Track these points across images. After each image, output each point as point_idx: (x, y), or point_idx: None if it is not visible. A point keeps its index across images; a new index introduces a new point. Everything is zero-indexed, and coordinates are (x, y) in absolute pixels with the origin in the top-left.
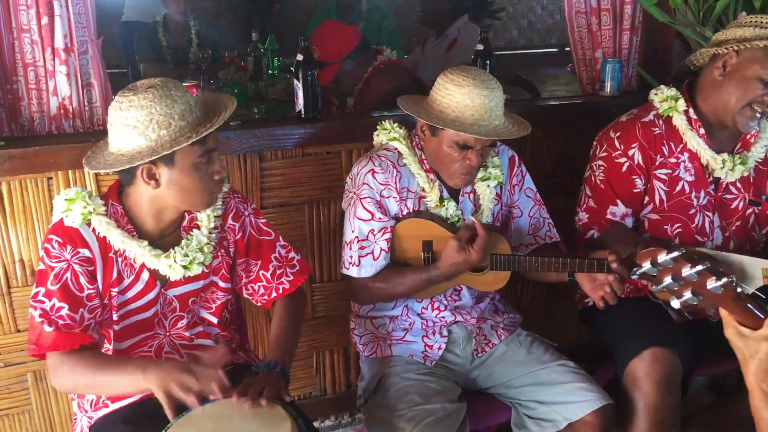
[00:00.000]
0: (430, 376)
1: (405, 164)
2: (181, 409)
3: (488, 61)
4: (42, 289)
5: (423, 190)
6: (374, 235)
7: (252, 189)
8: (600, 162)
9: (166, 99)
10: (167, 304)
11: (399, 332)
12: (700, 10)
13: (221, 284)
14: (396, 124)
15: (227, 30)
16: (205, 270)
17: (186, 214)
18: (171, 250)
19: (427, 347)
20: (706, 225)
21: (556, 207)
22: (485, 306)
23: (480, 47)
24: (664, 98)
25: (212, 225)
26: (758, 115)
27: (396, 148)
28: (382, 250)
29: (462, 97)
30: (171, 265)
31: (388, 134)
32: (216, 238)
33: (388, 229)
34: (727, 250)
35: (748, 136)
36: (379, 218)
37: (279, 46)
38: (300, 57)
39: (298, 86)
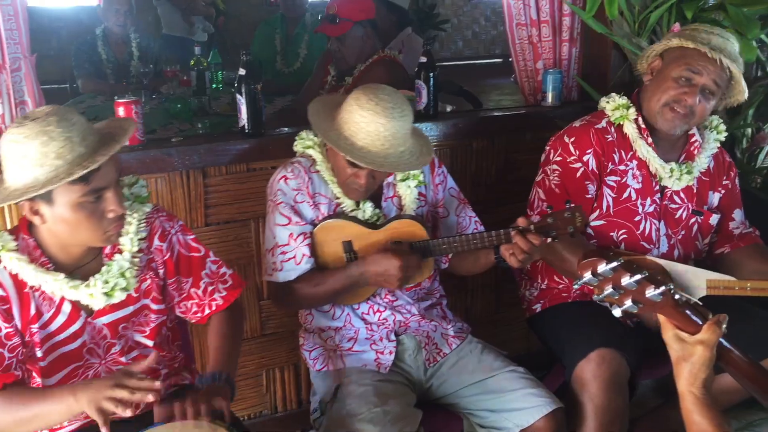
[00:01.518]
0: (386, 383)
1: (318, 170)
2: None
3: (432, 74)
4: None
5: (337, 198)
6: (295, 241)
7: (196, 206)
8: (555, 166)
9: (41, 135)
10: (96, 333)
11: (346, 343)
12: (636, 22)
13: (153, 306)
14: (311, 133)
15: (170, 43)
16: (134, 294)
17: None
18: (91, 278)
19: (378, 354)
20: (653, 233)
21: (502, 215)
22: (428, 306)
23: (423, 60)
24: (615, 106)
25: (136, 248)
26: (681, 114)
27: (311, 155)
28: (304, 255)
29: (359, 119)
30: (92, 294)
31: (303, 143)
32: (143, 260)
33: (308, 235)
34: (672, 258)
35: (692, 148)
36: (297, 222)
37: (223, 59)
38: (242, 71)
39: (242, 101)
